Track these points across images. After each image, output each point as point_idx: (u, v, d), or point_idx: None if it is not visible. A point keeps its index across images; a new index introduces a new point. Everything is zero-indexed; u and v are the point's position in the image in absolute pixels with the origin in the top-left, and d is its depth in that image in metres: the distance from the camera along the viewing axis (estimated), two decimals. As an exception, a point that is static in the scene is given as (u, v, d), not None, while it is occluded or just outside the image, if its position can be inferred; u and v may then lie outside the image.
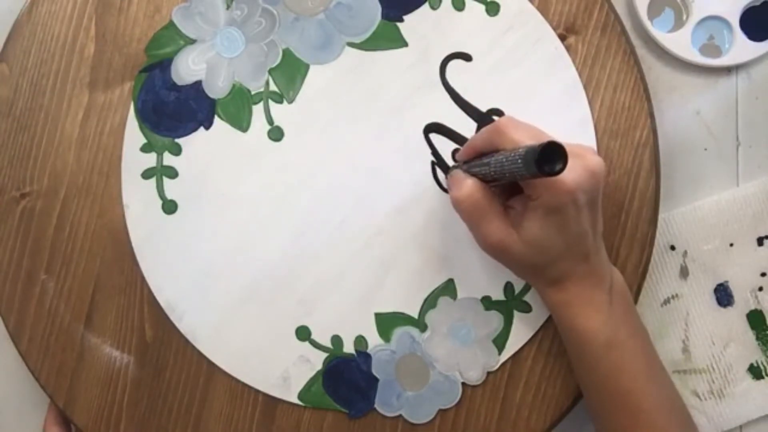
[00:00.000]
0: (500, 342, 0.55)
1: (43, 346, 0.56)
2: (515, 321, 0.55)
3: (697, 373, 0.58)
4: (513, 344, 0.55)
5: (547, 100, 0.55)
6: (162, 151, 0.55)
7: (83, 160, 0.56)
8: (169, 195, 0.55)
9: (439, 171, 0.55)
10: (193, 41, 0.55)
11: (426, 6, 0.55)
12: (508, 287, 0.55)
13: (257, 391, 0.55)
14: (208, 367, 0.56)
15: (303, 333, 0.55)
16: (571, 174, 0.44)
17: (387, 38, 0.55)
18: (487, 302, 0.55)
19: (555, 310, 0.51)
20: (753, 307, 0.58)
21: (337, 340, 0.55)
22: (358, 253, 0.55)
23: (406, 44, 0.55)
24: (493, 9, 0.55)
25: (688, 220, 0.58)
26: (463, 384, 0.55)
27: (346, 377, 0.55)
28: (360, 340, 0.55)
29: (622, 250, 0.55)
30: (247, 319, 0.55)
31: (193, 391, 0.56)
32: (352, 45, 0.55)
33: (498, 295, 0.55)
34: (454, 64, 0.55)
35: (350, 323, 0.55)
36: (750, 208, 0.57)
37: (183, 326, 0.55)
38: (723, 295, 0.58)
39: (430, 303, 0.55)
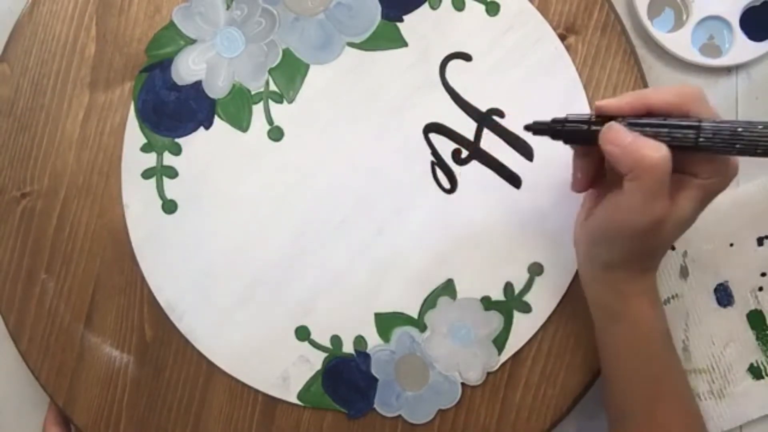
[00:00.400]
0: (500, 342, 0.55)
1: (43, 345, 0.56)
2: (515, 321, 0.55)
3: (697, 373, 0.58)
4: (513, 345, 0.55)
5: (547, 100, 0.54)
6: (162, 150, 0.55)
7: (83, 160, 0.56)
8: (169, 195, 0.55)
9: (438, 171, 0.55)
10: (193, 41, 0.55)
11: (426, 6, 0.55)
12: (508, 287, 0.55)
13: (257, 391, 0.55)
14: (207, 367, 0.56)
15: (302, 333, 0.55)
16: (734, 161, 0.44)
17: (387, 38, 0.55)
18: (487, 302, 0.55)
19: (634, 298, 0.48)
20: (753, 307, 0.58)
21: (336, 340, 0.55)
22: (358, 253, 0.55)
23: (406, 44, 0.55)
24: (493, 9, 0.55)
25: None
26: (463, 384, 0.55)
27: (345, 377, 0.55)
28: (359, 340, 0.55)
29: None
30: (246, 319, 0.55)
31: (193, 390, 0.56)
32: (352, 45, 0.55)
33: (498, 295, 0.55)
34: (454, 64, 0.55)
35: (350, 323, 0.55)
36: (750, 208, 0.57)
37: (183, 326, 0.55)
38: (723, 295, 0.58)
39: (429, 303, 0.55)
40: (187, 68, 0.55)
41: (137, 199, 0.56)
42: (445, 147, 0.55)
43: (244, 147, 0.55)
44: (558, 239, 0.54)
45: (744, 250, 0.57)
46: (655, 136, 0.43)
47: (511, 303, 0.55)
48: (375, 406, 0.55)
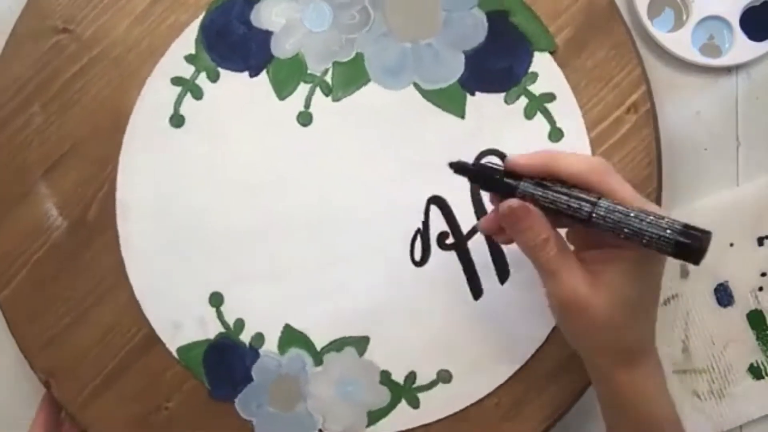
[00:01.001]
0: (374, 417, 0.55)
1: (-4, 166, 0.56)
2: (398, 408, 0.55)
3: (697, 373, 0.58)
4: (383, 427, 0.55)
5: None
6: (202, 70, 0.56)
7: (132, 35, 0.56)
8: (183, 111, 0.56)
9: (418, 240, 0.55)
10: (288, -5, 0.55)
11: (502, 95, 0.55)
12: (411, 376, 0.55)
13: (147, 323, 0.56)
14: (121, 275, 0.56)
15: (216, 300, 0.56)
16: None
17: (450, 101, 0.55)
18: (385, 377, 0.55)
19: (618, 396, 0.45)
20: (753, 307, 0.58)
21: (239, 324, 0.56)
22: (305, 266, 0.55)
23: (463, 117, 0.55)
24: (555, 134, 0.55)
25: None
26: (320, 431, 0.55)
27: (226, 360, 0.55)
28: (259, 337, 0.56)
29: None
30: (179, 256, 0.56)
31: (96, 287, 0.56)
32: (417, 87, 0.55)
33: (398, 376, 0.55)
34: (492, 160, 0.55)
35: (260, 317, 0.56)
36: (750, 208, 0.57)
37: (122, 227, 0.56)
38: (723, 295, 0.58)
39: (337, 345, 0.55)
40: (268, 15, 0.55)
41: (154, 96, 0.56)
42: (438, 224, 0.55)
43: (270, 113, 0.55)
44: (481, 363, 0.55)
45: (744, 250, 0.58)
46: (554, 203, 0.43)
47: (403, 391, 0.55)
48: (236, 401, 0.56)
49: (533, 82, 0.55)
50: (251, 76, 0.56)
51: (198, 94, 0.56)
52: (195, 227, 0.56)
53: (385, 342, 0.55)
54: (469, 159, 0.54)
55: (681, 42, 0.57)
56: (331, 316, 0.55)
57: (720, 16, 0.57)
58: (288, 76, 0.55)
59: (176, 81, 0.56)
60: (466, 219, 0.55)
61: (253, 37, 0.55)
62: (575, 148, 0.54)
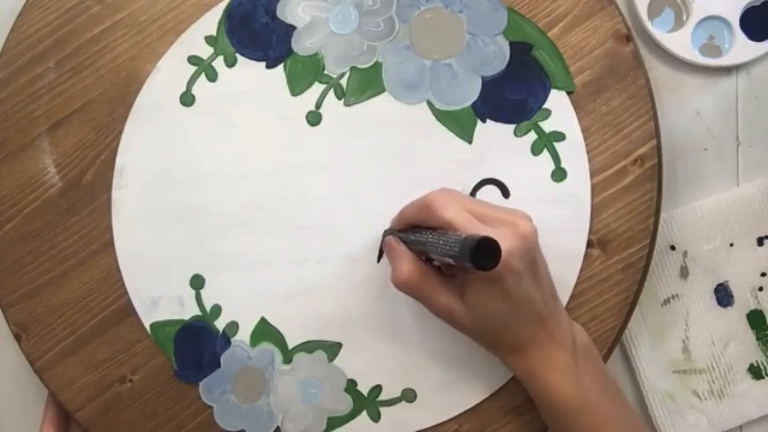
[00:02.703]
0: (333, 423, 0.55)
1: (3, 113, 0.56)
2: (358, 419, 0.55)
3: (697, 373, 0.58)
4: (340, 434, 0.55)
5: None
6: (220, 53, 0.56)
7: (159, 5, 0.56)
8: (194, 90, 0.56)
9: None
10: (317, -6, 0.55)
11: (512, 127, 0.55)
12: (376, 389, 0.55)
13: (126, 294, 0.56)
14: (107, 242, 0.56)
15: (197, 282, 0.56)
16: (503, 242, 0.43)
17: (460, 125, 0.55)
18: (351, 386, 0.55)
19: (522, 380, 0.51)
20: (753, 307, 0.58)
21: (216, 310, 0.56)
22: (290, 261, 0.55)
23: (470, 142, 0.55)
24: (559, 174, 0.55)
25: (688, 220, 0.58)
26: (277, 429, 0.55)
27: (197, 344, 0.56)
28: (233, 326, 0.56)
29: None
30: (167, 233, 0.56)
31: (81, 250, 0.56)
32: (430, 105, 0.55)
33: (364, 387, 0.55)
34: (491, 189, 0.55)
35: (238, 307, 0.56)
36: (750, 208, 0.58)
37: (116, 195, 0.56)
38: (723, 295, 0.58)
39: (308, 347, 0.55)
40: (294, 10, 0.55)
41: (169, 72, 0.56)
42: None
43: (280, 107, 0.55)
44: (448, 387, 0.55)
45: (744, 250, 0.58)
46: (412, 247, 0.50)
47: (366, 402, 0.55)
48: (200, 384, 0.56)
49: (545, 118, 0.54)
50: (268, 67, 0.55)
51: (212, 76, 0.56)
52: (187, 207, 0.56)
53: (357, 351, 0.55)
54: (468, 185, 0.55)
55: (681, 42, 0.57)
56: (307, 317, 0.55)
57: (720, 16, 0.57)
58: (304, 73, 0.55)
59: (193, 60, 0.56)
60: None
61: (275, 29, 0.55)
62: (576, 191, 0.54)
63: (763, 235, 0.58)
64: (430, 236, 0.47)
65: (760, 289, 0.58)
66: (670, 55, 0.57)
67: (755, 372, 0.58)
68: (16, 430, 0.61)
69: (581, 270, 0.55)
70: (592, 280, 0.55)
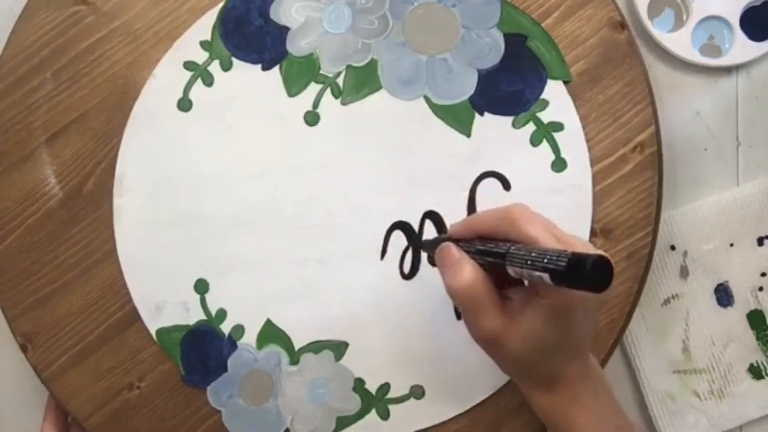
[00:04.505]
0: (343, 423, 0.55)
1: (3, 126, 0.56)
2: (367, 418, 0.55)
3: (697, 373, 0.58)
4: (351, 433, 0.55)
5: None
6: (216, 57, 0.56)
7: (153, 12, 0.56)
8: (191, 96, 0.56)
9: (409, 253, 0.55)
10: (309, -6, 0.55)
11: (510, 119, 0.55)
12: (384, 387, 0.55)
13: (130, 301, 0.56)
14: (109, 250, 0.56)
15: (201, 287, 0.56)
16: None
17: (458, 119, 0.55)
18: (358, 385, 0.55)
19: (543, 415, 0.48)
20: (753, 307, 0.58)
21: (222, 314, 0.56)
22: (294, 261, 0.55)
23: (468, 135, 0.55)
24: (559, 164, 0.54)
25: (688, 220, 0.58)
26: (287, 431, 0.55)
27: (204, 348, 0.56)
28: (239, 329, 0.56)
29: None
30: (171, 239, 0.56)
31: (84, 259, 0.56)
32: (427, 100, 0.55)
33: (372, 385, 0.55)
34: (491, 182, 0.55)
35: (242, 310, 0.56)
36: (750, 208, 0.58)
37: (117, 203, 0.56)
38: (723, 295, 0.58)
39: (315, 347, 0.55)
40: (287, 11, 0.55)
41: (165, 78, 0.56)
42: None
43: (278, 108, 0.55)
44: (455, 384, 0.55)
45: (744, 250, 0.58)
46: (475, 259, 0.45)
47: (374, 400, 0.55)
48: (208, 389, 0.56)
49: (543, 109, 0.54)
50: (264, 69, 0.56)
51: (209, 80, 0.56)
52: (188, 212, 0.56)
53: (364, 350, 0.55)
54: (468, 179, 0.55)
55: (681, 42, 0.57)
56: (313, 318, 0.55)
57: (720, 16, 0.57)
58: (300, 74, 0.55)
59: (189, 65, 0.56)
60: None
61: (269, 31, 0.55)
62: (576, 180, 0.54)
63: (763, 235, 0.58)
64: (513, 248, 0.43)
65: (760, 289, 0.58)
66: (670, 55, 0.57)
67: (755, 372, 0.58)
68: (16, 431, 0.61)
69: (585, 260, 0.54)
70: (596, 270, 0.54)
